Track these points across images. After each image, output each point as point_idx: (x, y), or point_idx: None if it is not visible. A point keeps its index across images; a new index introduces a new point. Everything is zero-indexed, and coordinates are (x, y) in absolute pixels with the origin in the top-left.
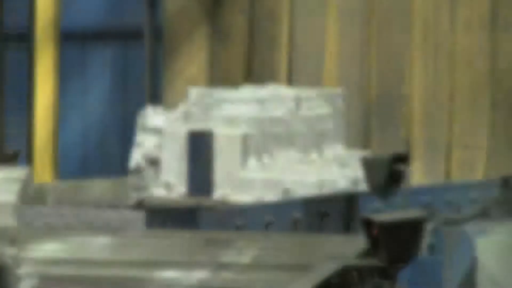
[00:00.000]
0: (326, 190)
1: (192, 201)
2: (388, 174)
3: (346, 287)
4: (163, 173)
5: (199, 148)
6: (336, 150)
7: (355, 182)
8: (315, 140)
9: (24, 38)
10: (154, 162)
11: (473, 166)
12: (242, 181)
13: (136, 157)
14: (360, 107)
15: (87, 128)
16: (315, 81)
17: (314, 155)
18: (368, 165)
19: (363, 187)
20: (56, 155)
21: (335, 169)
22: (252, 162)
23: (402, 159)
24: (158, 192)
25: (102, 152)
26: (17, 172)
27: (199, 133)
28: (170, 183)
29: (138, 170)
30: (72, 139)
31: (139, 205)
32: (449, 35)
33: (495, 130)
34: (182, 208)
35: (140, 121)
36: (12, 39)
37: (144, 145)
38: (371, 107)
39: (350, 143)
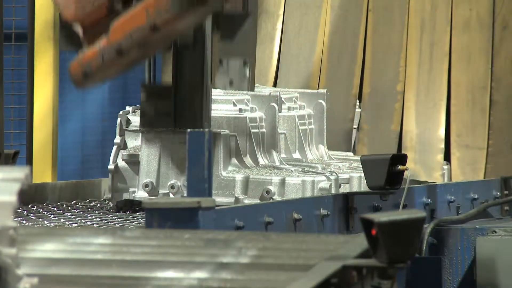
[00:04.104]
0: (308, 192)
1: (192, 201)
2: (387, 174)
3: (346, 287)
4: (143, 174)
5: (200, 146)
6: (319, 150)
7: (337, 183)
8: (297, 141)
9: (24, 38)
10: (133, 163)
11: (473, 166)
12: (223, 182)
13: (115, 158)
14: (348, 103)
15: (87, 128)
16: (306, 76)
17: (296, 156)
18: (368, 165)
19: (345, 188)
20: (56, 155)
21: (317, 170)
22: (234, 162)
23: (401, 159)
24: (138, 194)
25: (102, 152)
26: (17, 172)
27: (199, 132)
28: (150, 184)
29: (117, 171)
30: (72, 139)
31: (119, 206)
32: (446, 34)
33: (495, 130)
34: (182, 208)
35: (119, 121)
36: (12, 39)
37: (123, 146)
38: (364, 103)
39: (340, 138)
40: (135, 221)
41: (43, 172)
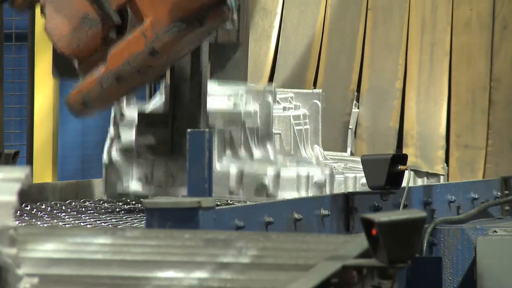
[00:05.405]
0: (303, 185)
1: (192, 201)
2: (387, 174)
3: (346, 287)
4: (138, 168)
5: (199, 146)
6: (314, 151)
7: (332, 177)
8: (292, 141)
9: (25, 38)
10: (128, 156)
11: (473, 166)
12: (217, 176)
13: (110, 151)
14: (346, 98)
15: (87, 128)
16: (303, 72)
17: (291, 153)
18: (368, 165)
19: (341, 189)
20: (56, 155)
21: (312, 165)
22: (228, 156)
23: (402, 159)
24: (133, 188)
25: (102, 152)
26: (17, 172)
27: (199, 131)
28: (145, 178)
29: (112, 165)
30: (72, 139)
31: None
32: (446, 34)
33: (494, 130)
34: (182, 208)
35: (113, 114)
36: (13, 39)
37: (117, 139)
38: (362, 100)
39: (337, 132)
40: (129, 222)
41: (43, 172)
